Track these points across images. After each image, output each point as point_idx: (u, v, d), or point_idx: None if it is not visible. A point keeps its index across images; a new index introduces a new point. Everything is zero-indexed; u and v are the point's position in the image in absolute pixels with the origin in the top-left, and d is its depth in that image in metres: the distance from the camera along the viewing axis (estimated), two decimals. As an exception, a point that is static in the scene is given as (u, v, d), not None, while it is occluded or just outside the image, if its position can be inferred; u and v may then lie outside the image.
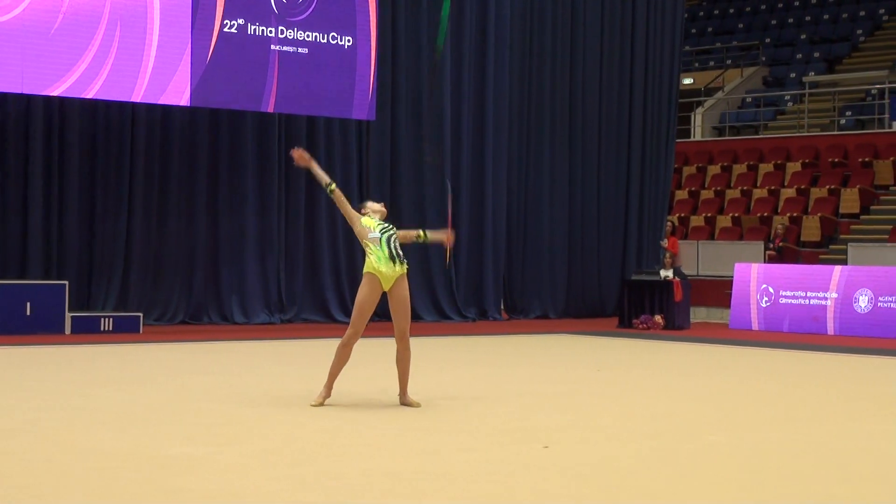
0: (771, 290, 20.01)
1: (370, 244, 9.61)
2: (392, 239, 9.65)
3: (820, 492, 6.57)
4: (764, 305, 20.02)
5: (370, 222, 9.69)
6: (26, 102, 17.39)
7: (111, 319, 16.91)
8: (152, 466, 6.90)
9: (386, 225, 9.72)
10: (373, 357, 12.43)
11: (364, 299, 9.58)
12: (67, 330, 16.48)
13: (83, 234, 18.11)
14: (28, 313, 16.25)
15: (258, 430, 8.31)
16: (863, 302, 19.00)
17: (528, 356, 15.04)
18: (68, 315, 16.57)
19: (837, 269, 19.65)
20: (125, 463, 7.00)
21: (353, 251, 20.08)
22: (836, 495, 6.51)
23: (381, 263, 9.57)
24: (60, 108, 17.78)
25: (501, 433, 8.36)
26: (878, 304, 18.82)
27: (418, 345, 15.83)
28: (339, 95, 18.48)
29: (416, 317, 20.24)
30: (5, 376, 11.42)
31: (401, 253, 9.66)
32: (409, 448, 7.68)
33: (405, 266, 9.69)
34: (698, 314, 22.44)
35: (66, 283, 16.84)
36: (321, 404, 9.41)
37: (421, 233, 9.97)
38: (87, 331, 16.51)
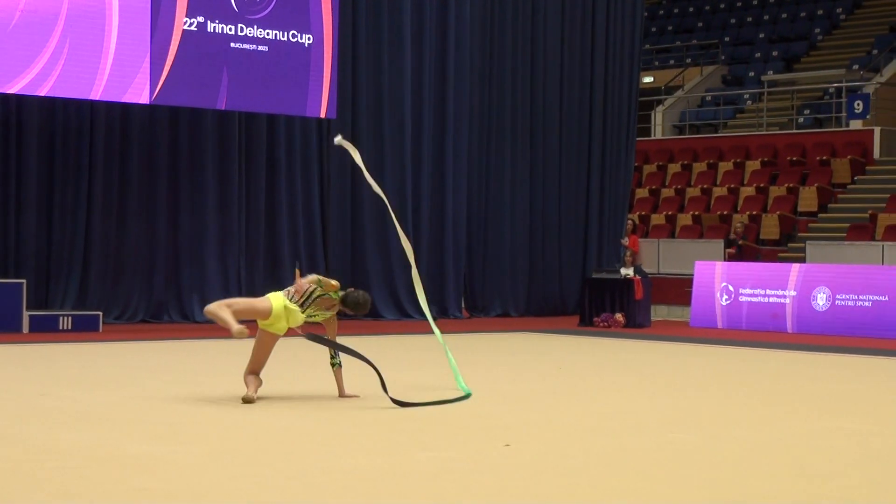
0: (731, 288, 20.13)
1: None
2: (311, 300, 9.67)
3: (776, 489, 6.64)
4: (724, 303, 20.15)
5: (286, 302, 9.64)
6: (-17, 100, 17.32)
7: (70, 318, 16.83)
8: (113, 466, 6.89)
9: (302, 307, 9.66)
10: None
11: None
12: (25, 329, 16.40)
13: (41, 232, 18.02)
14: (-15, 312, 16.17)
15: (219, 429, 8.31)
16: (821, 300, 19.16)
17: (488, 355, 15.08)
18: (26, 314, 16.48)
19: (795, 266, 19.80)
20: (86, 462, 6.98)
21: (314, 247, 20.09)
22: (791, 492, 6.58)
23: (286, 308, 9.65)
24: (18, 105, 17.68)
25: (461, 431, 8.39)
26: (836, 301, 18.98)
27: (379, 344, 15.87)
28: (298, 93, 18.47)
29: (376, 315, 20.33)
30: (-37, 376, 11.36)
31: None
32: (368, 446, 7.71)
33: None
34: (659, 312, 22.55)
35: (24, 281, 16.76)
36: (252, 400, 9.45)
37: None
38: (45, 330, 16.44)
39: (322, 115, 19.06)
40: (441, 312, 21.36)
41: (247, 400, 9.38)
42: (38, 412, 8.93)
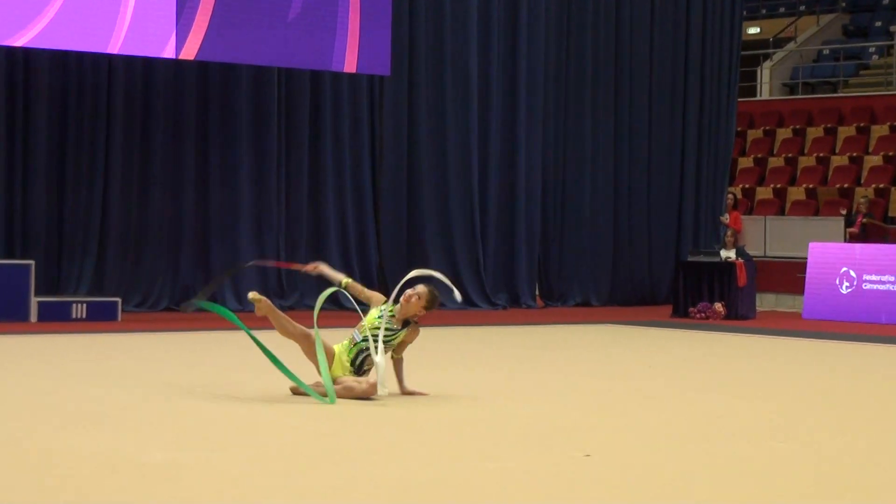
0: (853, 273, 19.95)
1: (354, 337, 9.74)
2: (362, 356, 9.70)
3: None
4: (844, 292, 19.97)
5: (371, 318, 9.73)
6: (-14, 54, 17.50)
7: (84, 305, 17.00)
8: (133, 474, 6.94)
9: (385, 331, 9.65)
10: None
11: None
12: (33, 317, 16.57)
13: (52, 207, 18.18)
14: (-12, 298, 16.38)
15: (253, 434, 8.35)
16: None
17: (564, 350, 15.06)
18: (34, 300, 16.65)
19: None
20: (101, 470, 7.04)
21: (364, 225, 20.13)
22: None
23: (340, 359, 9.73)
24: (25, 61, 17.83)
25: (533, 438, 8.38)
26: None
27: (440, 336, 15.88)
28: (348, 48, 18.47)
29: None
30: (-38, 370, 11.51)
31: (365, 369, 9.77)
32: (424, 455, 7.71)
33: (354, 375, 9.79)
34: (766, 301, 22.41)
35: (32, 262, 16.92)
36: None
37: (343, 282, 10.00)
38: (56, 318, 16.60)
39: (377, 72, 19.06)
40: (512, 301, 21.37)
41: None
42: (48, 412, 9.01)
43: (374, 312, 9.78)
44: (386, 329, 9.69)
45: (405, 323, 9.80)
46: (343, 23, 18.35)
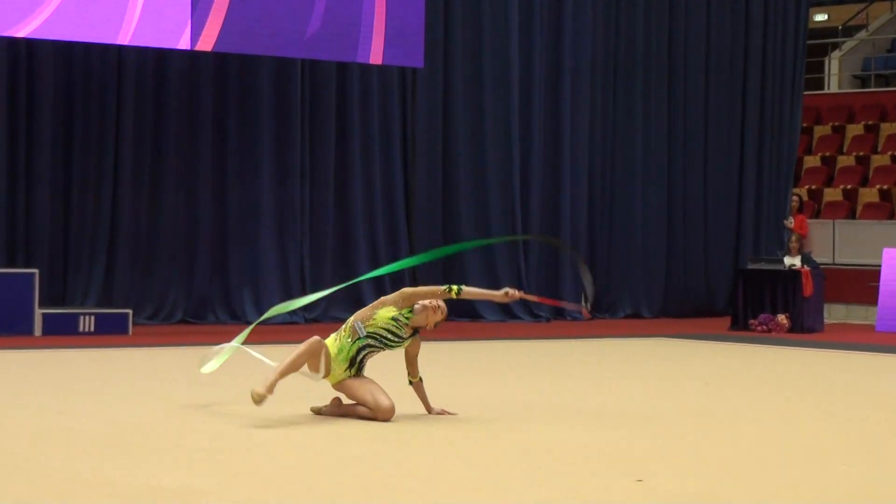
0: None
1: (357, 330, 9.81)
2: (364, 353, 9.79)
3: None
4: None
5: (384, 317, 9.79)
6: (-14, 46, 17.61)
7: (92, 318, 17.07)
8: (146, 502, 6.97)
9: (394, 336, 9.76)
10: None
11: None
12: (38, 330, 16.64)
13: (57, 212, 18.26)
14: (-12, 310, 16.47)
15: (278, 458, 8.37)
16: None
17: (613, 365, 15.05)
18: (38, 311, 16.72)
19: None
20: (114, 497, 7.07)
21: (396, 230, 20.13)
22: None
23: (337, 357, 9.79)
24: (28, 53, 17.93)
25: (582, 461, 8.39)
26: None
27: (478, 350, 15.89)
28: (377, 36, 18.51)
29: (476, 315, 20.42)
30: (-39, 388, 11.59)
31: (363, 365, 9.88)
32: (468, 481, 7.72)
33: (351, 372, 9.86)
34: (834, 313, 22.33)
35: (36, 272, 16.99)
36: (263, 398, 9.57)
37: (454, 288, 9.92)
38: (62, 332, 16.67)
39: (409, 64, 19.08)
40: (556, 313, 21.37)
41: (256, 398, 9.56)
42: (55, 434, 9.05)
43: (388, 313, 9.82)
44: (394, 335, 9.79)
45: (413, 332, 9.86)
46: (369, 10, 18.37)
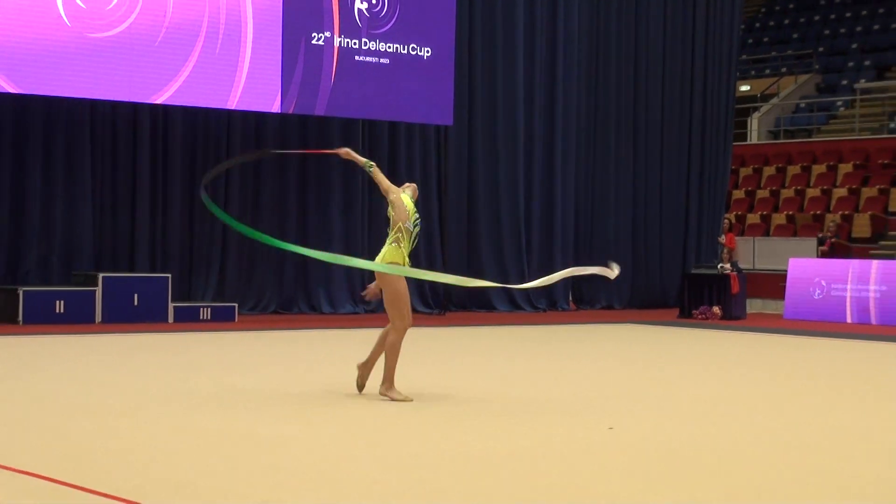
0: (823, 283, 19.74)
1: (403, 232, 8.79)
2: (416, 237, 8.92)
3: (868, 476, 6.46)
4: (816, 298, 19.76)
5: (409, 203, 8.84)
6: (134, 109, 17.59)
7: (209, 309, 17.07)
8: (247, 444, 6.94)
9: (418, 216, 8.95)
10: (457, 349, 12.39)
11: (404, 290, 8.94)
12: (170, 319, 16.66)
13: (184, 230, 18.27)
14: (135, 304, 16.46)
15: (344, 415, 8.32)
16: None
17: (594, 344, 15.00)
18: (171, 305, 16.74)
19: (875, 263, 19.49)
20: (220, 440, 7.05)
21: (431, 242, 19.98)
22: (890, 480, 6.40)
23: (404, 259, 8.87)
24: (164, 114, 17.97)
25: (564, 418, 8.32)
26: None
27: (492, 334, 15.83)
28: (419, 101, 18.48)
29: (490, 307, 20.35)
30: (116, 361, 11.58)
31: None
32: (476, 429, 7.65)
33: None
34: (754, 305, 22.19)
35: (170, 275, 17.00)
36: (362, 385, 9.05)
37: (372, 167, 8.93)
38: (187, 320, 16.68)
39: (442, 122, 19.05)
40: (550, 304, 21.28)
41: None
42: (181, 395, 9.05)
43: (407, 200, 8.89)
44: (416, 214, 8.93)
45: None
46: (418, 80, 18.36)
